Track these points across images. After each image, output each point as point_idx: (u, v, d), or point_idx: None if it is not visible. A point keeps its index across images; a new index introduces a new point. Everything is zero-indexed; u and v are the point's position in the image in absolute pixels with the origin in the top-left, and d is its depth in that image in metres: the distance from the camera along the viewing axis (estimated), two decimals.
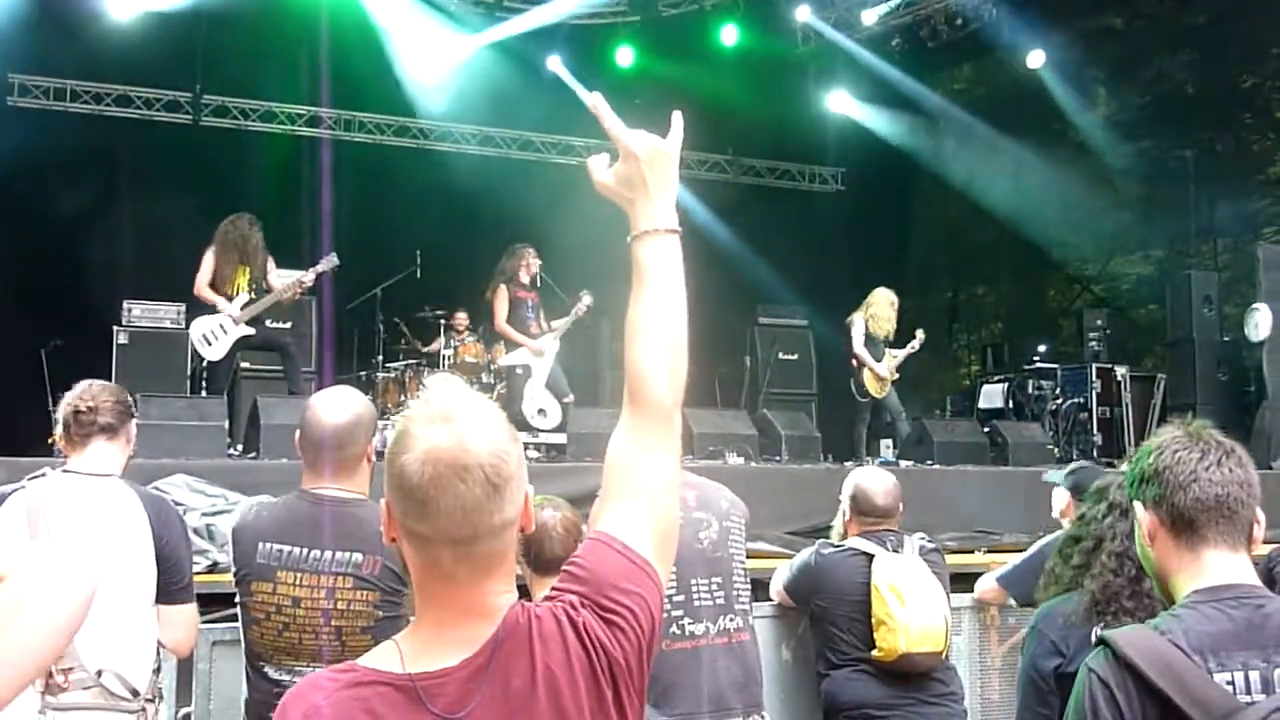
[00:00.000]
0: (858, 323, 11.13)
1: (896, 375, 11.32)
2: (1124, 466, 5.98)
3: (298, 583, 3.24)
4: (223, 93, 13.88)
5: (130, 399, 3.97)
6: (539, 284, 10.82)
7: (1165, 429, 2.38)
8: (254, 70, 13.20)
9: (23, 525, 3.52)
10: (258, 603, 3.34)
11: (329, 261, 9.54)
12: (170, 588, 3.70)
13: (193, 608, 3.83)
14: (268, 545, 3.33)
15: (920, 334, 11.53)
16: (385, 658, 1.78)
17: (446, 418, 1.78)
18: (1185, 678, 2.10)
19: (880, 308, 11.19)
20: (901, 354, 11.33)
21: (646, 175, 2.01)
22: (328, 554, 3.24)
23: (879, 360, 11.10)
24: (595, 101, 2.05)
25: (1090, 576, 3.16)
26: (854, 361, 11.12)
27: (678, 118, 2.08)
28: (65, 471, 3.72)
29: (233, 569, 3.51)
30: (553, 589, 1.87)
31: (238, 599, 3.47)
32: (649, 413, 1.97)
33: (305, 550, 3.28)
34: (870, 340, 11.11)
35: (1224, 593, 2.21)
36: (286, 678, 3.25)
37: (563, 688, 1.77)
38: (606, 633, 1.81)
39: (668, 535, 1.95)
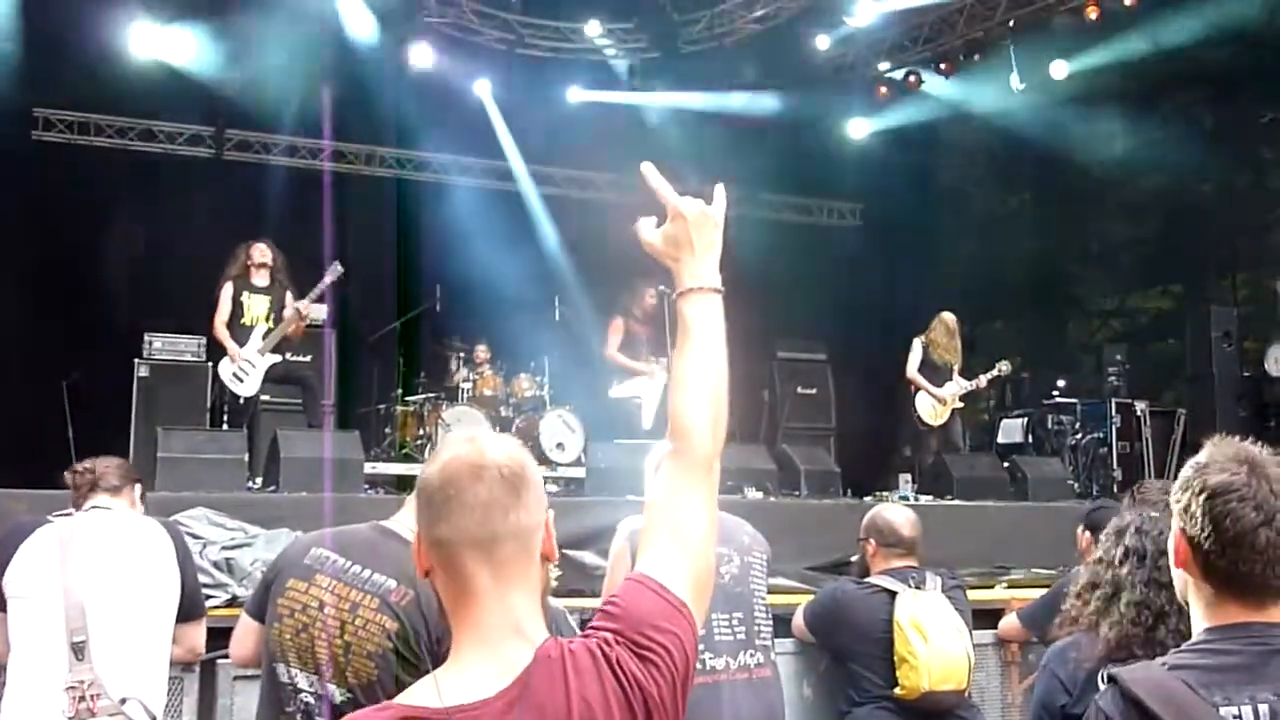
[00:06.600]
0: (916, 346, 10.92)
1: (959, 404, 11.06)
2: (1125, 502, 5.94)
3: (331, 589, 3.23)
4: (245, 127, 13.94)
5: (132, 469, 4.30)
6: (660, 318, 10.77)
7: (1225, 453, 2.24)
8: (276, 105, 13.24)
9: (55, 555, 3.66)
10: (288, 599, 3.32)
11: (333, 272, 9.54)
12: (191, 606, 3.94)
13: (204, 618, 4.12)
14: (319, 550, 3.32)
15: (1002, 366, 11.21)
16: (423, 693, 1.80)
17: (470, 439, 1.93)
18: (1190, 712, 2.08)
19: (937, 333, 10.92)
20: (968, 384, 11.04)
21: (693, 236, 2.11)
22: (366, 572, 3.23)
23: (939, 387, 10.88)
24: (646, 170, 2.16)
25: (1108, 624, 3.13)
26: (911, 386, 10.95)
27: (720, 189, 2.19)
28: (94, 507, 3.85)
29: (270, 572, 3.50)
30: (589, 627, 1.91)
31: (270, 593, 3.42)
32: (689, 460, 2.04)
33: (349, 563, 3.27)
34: (931, 366, 10.89)
35: (1238, 630, 2.19)
36: (287, 682, 3.23)
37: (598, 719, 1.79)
38: (641, 668, 1.84)
39: (704, 580, 2.00)
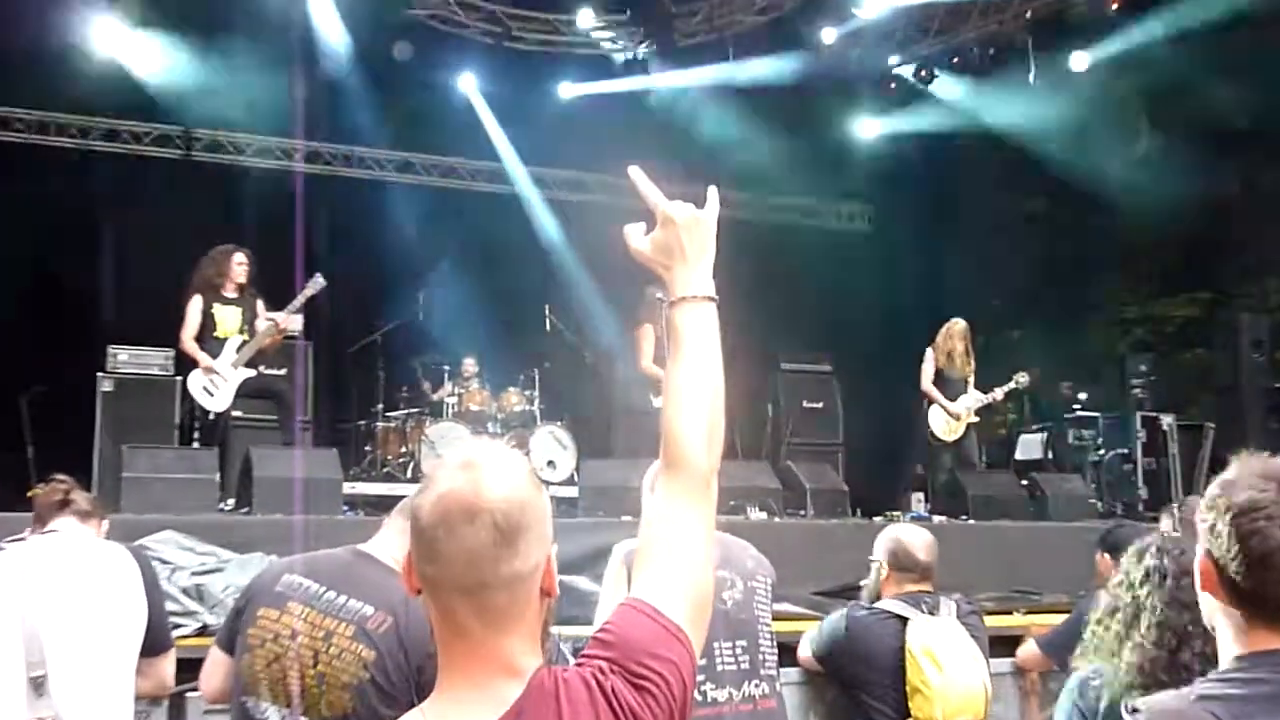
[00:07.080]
0: (928, 357, 10.96)
1: (974, 418, 11.06)
2: (1164, 521, 5.96)
3: (304, 617, 3.22)
4: (215, 126, 13.92)
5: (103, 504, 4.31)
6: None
7: (1253, 470, 2.24)
8: (249, 102, 13.21)
9: (9, 584, 3.61)
10: (259, 629, 3.31)
11: (315, 284, 9.37)
12: (158, 637, 3.93)
13: (173, 649, 4.11)
14: (291, 577, 3.32)
15: (1020, 378, 11.19)
16: None
17: (469, 465, 1.87)
18: None
19: (942, 340, 10.97)
20: (984, 398, 11.03)
21: (684, 242, 2.11)
22: (342, 598, 3.23)
23: (953, 400, 10.91)
24: (634, 173, 2.16)
25: (1129, 648, 3.13)
26: (924, 400, 10.98)
27: (713, 191, 2.19)
28: (49, 532, 3.82)
29: (240, 600, 3.50)
30: (582, 655, 1.90)
31: (239, 623, 3.41)
32: (684, 476, 2.03)
33: (323, 589, 3.26)
34: (944, 379, 10.93)
35: (1269, 658, 2.17)
36: (259, 717, 3.22)
37: None
38: (636, 698, 1.83)
39: (702, 604, 1.99)
